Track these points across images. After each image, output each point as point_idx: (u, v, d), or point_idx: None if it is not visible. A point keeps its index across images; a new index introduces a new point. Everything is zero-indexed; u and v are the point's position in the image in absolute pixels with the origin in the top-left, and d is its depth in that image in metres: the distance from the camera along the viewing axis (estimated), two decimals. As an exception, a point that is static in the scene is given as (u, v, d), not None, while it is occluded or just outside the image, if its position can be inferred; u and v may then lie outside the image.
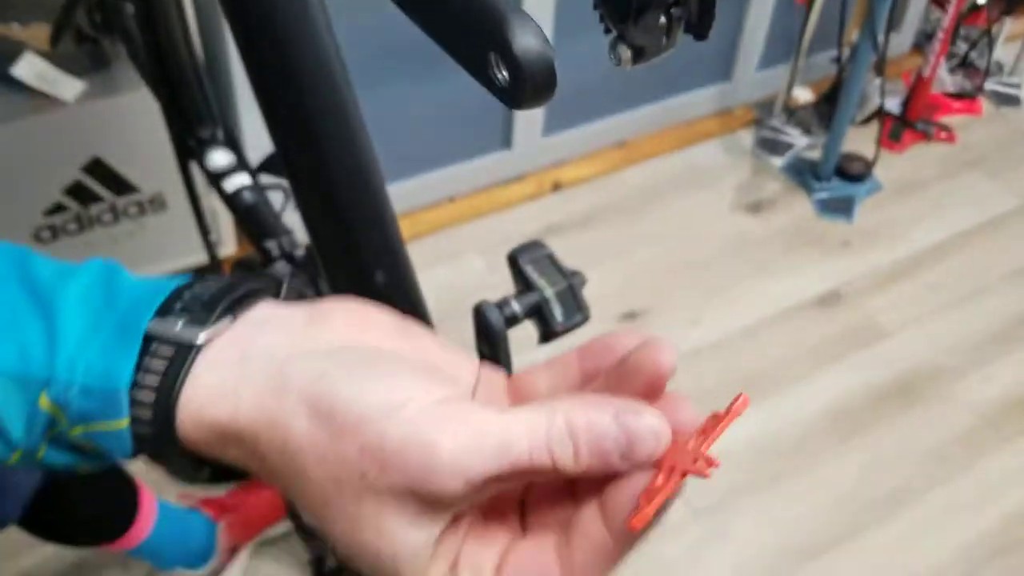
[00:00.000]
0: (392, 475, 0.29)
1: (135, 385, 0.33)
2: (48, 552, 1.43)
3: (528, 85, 0.28)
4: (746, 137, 2.28)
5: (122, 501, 1.22)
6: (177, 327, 0.33)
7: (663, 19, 0.33)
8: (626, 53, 0.34)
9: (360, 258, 0.69)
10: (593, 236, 2.03)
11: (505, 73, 0.28)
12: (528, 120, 2.03)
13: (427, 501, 0.29)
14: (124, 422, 0.33)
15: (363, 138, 0.64)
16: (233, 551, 1.41)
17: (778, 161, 2.21)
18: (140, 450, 0.34)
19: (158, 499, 1.29)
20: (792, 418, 1.69)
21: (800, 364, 1.79)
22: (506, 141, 2.06)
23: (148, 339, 0.33)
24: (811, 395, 1.73)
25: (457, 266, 1.94)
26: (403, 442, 0.29)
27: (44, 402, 0.33)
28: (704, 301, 1.89)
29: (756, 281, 1.94)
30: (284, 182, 1.06)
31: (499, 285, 0.75)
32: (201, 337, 0.33)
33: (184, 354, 0.33)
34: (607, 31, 0.34)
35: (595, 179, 2.16)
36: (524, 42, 0.27)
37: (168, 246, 1.72)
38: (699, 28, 0.33)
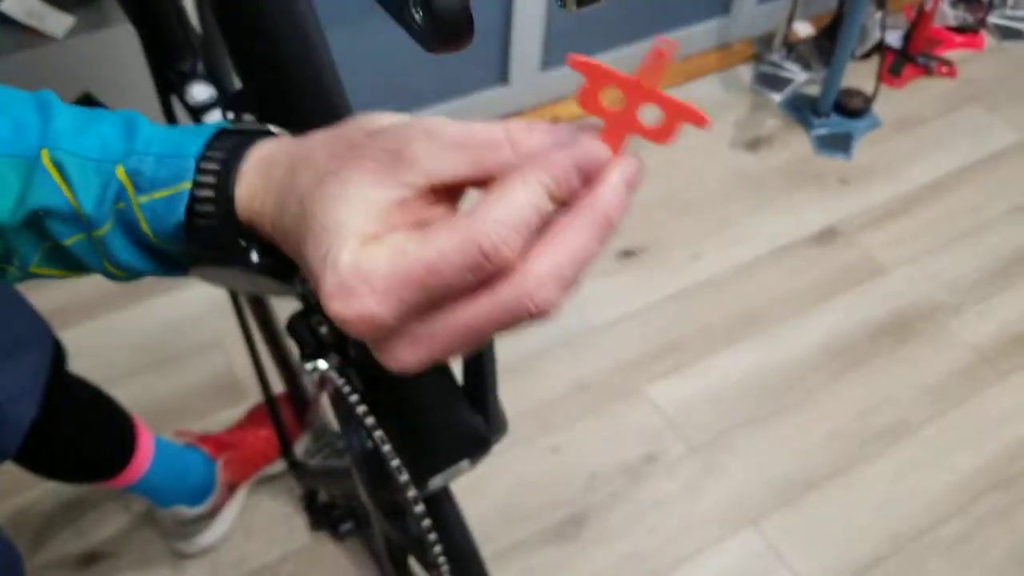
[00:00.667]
0: (380, 141, 0.35)
1: (205, 157, 0.39)
2: (46, 488, 1.45)
3: (442, 27, 0.27)
4: (745, 72, 2.25)
5: (120, 437, 1.23)
6: (245, 125, 0.41)
7: None
8: None
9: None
10: (590, 173, 2.01)
11: (419, 14, 0.27)
12: (525, 55, 2.00)
13: (394, 160, 0.34)
14: (187, 184, 0.39)
15: (331, 71, 0.63)
16: (231, 488, 1.42)
17: (777, 97, 2.18)
18: (195, 226, 0.40)
19: (156, 437, 1.29)
20: (789, 354, 1.70)
21: (797, 300, 1.78)
22: (503, 76, 2.03)
23: (216, 133, 0.40)
24: (808, 331, 1.74)
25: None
26: (404, 124, 0.35)
27: (120, 172, 0.39)
28: (702, 238, 1.89)
29: (754, 218, 1.93)
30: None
31: None
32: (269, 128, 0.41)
33: (251, 137, 0.40)
34: None
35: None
36: None
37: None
38: None
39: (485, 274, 0.32)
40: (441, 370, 0.80)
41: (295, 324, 0.94)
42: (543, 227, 0.33)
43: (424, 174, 0.34)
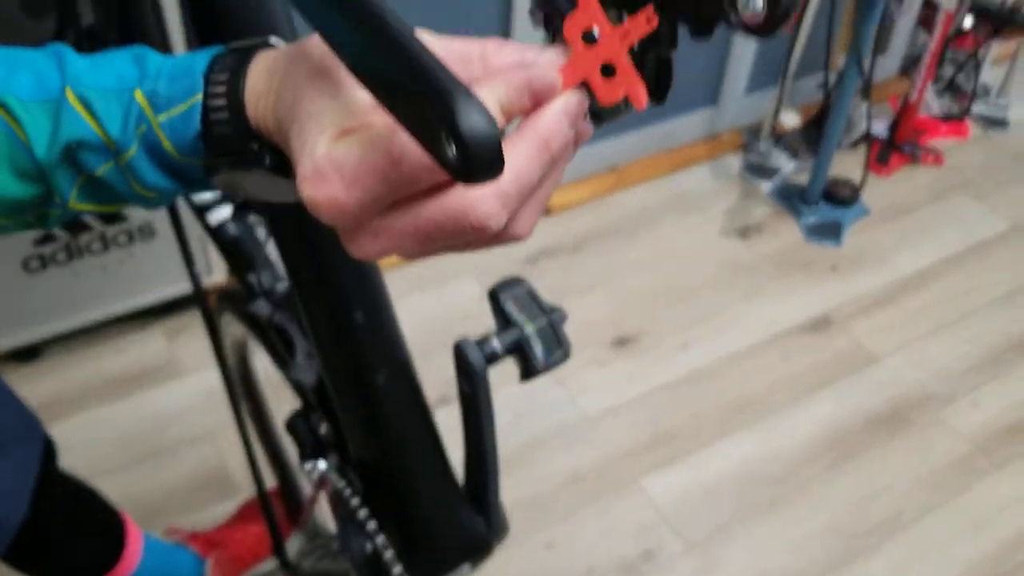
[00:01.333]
0: None
1: (213, 71, 0.42)
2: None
3: (475, 164, 0.28)
4: (734, 162, 2.29)
5: (109, 536, 1.21)
6: (248, 41, 0.43)
7: None
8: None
9: (339, 297, 0.69)
10: (584, 260, 2.03)
11: (454, 150, 0.29)
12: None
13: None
14: (199, 96, 0.42)
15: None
16: (221, 585, 1.40)
17: (766, 185, 2.22)
18: (211, 135, 0.42)
19: (145, 534, 1.28)
20: (783, 444, 1.69)
21: (790, 389, 1.79)
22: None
23: (222, 51, 0.43)
24: (802, 420, 1.73)
25: (450, 289, 1.94)
26: None
27: (138, 95, 0.43)
28: (694, 326, 1.90)
29: (746, 306, 1.95)
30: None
31: (490, 310, 0.75)
32: (271, 40, 0.44)
33: (252, 49, 0.43)
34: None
35: (586, 203, 2.17)
36: (470, 122, 0.28)
37: (158, 275, 1.72)
38: (657, 94, 0.34)
39: (439, 175, 0.34)
40: (442, 471, 0.80)
41: (295, 422, 0.94)
42: None
43: None
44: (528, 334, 0.74)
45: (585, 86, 0.35)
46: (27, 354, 1.74)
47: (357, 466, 0.84)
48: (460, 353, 0.71)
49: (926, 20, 2.37)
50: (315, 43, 0.39)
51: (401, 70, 0.30)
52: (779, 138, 2.29)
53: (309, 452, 0.90)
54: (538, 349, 0.74)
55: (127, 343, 1.80)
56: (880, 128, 2.34)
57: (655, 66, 0.34)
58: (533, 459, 1.65)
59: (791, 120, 2.30)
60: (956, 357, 1.86)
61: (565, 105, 0.36)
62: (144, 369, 1.76)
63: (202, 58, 0.43)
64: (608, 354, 1.83)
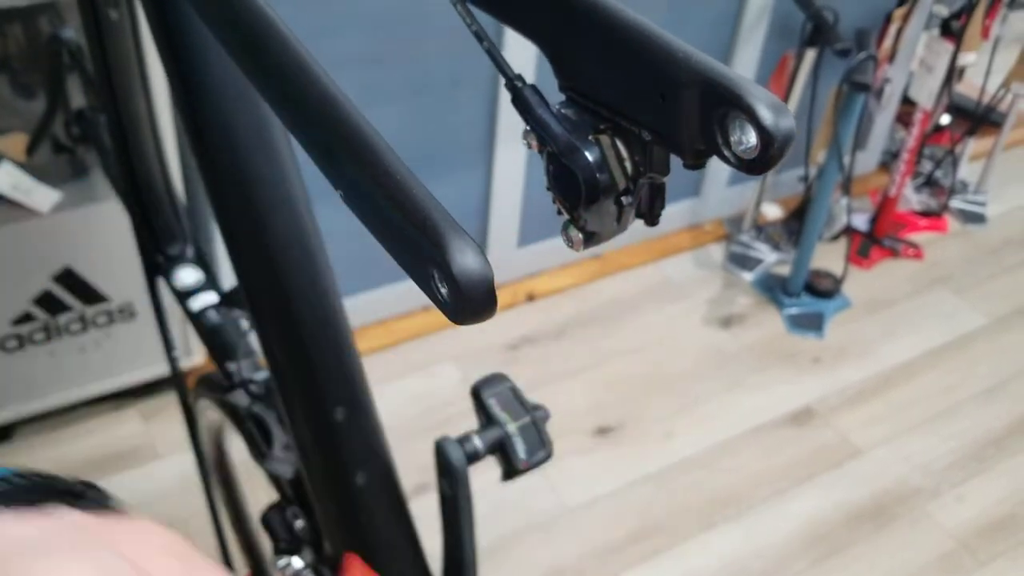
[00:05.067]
0: None
1: None
2: None
3: (466, 305, 0.28)
4: (717, 251, 2.31)
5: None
6: None
7: (614, 206, 0.33)
8: (578, 236, 0.34)
9: (319, 394, 0.68)
10: (567, 347, 2.02)
11: (445, 289, 0.28)
12: (503, 231, 2.05)
13: None
14: None
15: (327, 275, 0.64)
16: None
17: (748, 276, 2.23)
18: None
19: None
20: (767, 539, 1.67)
21: (774, 482, 1.77)
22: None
23: None
24: (786, 515, 1.71)
25: (431, 376, 1.93)
26: None
27: None
28: (678, 415, 1.88)
29: (729, 396, 1.94)
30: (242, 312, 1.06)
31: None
32: None
33: None
34: (559, 213, 0.35)
35: (569, 290, 2.17)
36: (462, 262, 0.27)
37: (136, 356, 1.70)
38: (649, 215, 0.34)
39: None
40: (421, 572, 0.78)
41: (270, 516, 0.91)
42: None
43: None
44: (510, 433, 0.73)
45: None
46: (0, 434, 1.71)
47: (332, 563, 0.82)
48: (441, 452, 0.69)
49: (904, 117, 2.42)
50: None
51: (394, 205, 0.29)
52: (761, 229, 2.31)
53: (283, 547, 0.88)
54: (520, 448, 0.72)
55: (102, 424, 1.77)
56: (860, 222, 2.37)
57: (649, 192, 0.33)
58: (511, 552, 1.61)
59: (773, 212, 2.33)
60: (940, 451, 1.86)
61: None
62: (118, 451, 1.72)
63: None
64: (590, 443, 1.81)
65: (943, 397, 1.97)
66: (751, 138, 0.27)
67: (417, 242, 0.28)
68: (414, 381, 1.91)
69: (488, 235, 2.03)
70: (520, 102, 0.34)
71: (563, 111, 0.34)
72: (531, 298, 2.12)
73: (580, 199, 0.33)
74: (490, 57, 0.35)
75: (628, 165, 0.33)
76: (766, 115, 0.26)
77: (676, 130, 0.30)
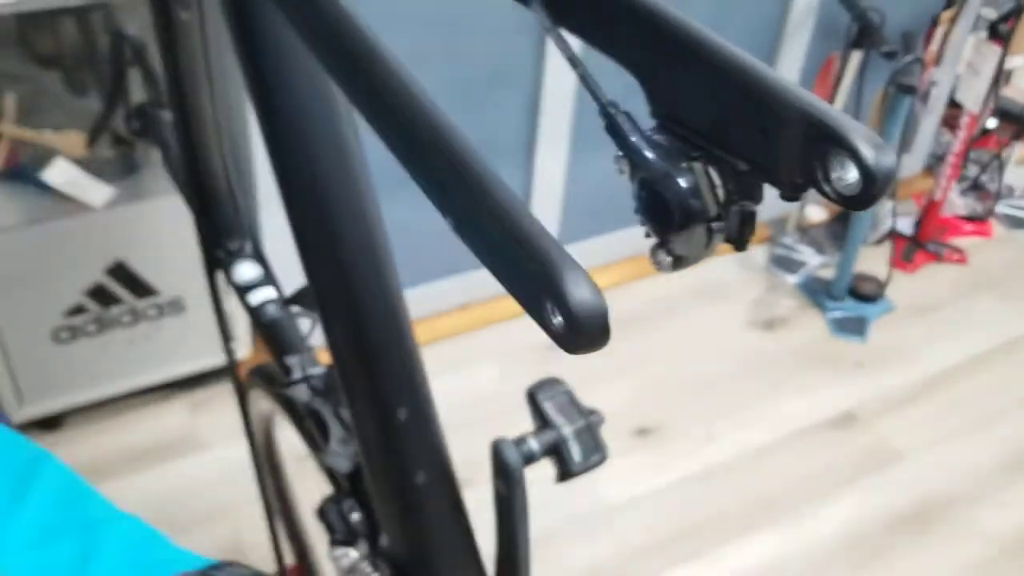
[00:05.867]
0: None
1: None
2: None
3: (583, 335, 0.29)
4: (760, 254, 2.30)
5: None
6: None
7: (704, 231, 0.34)
8: (667, 259, 0.35)
9: (383, 394, 0.69)
10: (607, 348, 2.01)
11: (560, 319, 0.29)
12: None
13: None
14: None
15: (393, 279, 0.65)
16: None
17: (792, 279, 2.22)
18: None
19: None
20: (807, 543, 1.67)
21: (814, 486, 1.77)
22: (522, 252, 2.08)
23: None
24: (825, 519, 1.71)
25: (470, 374, 1.94)
26: None
27: None
28: (718, 418, 1.88)
29: (770, 400, 1.93)
30: (310, 312, 1.07)
31: (511, 394, 0.75)
32: None
33: None
34: (647, 236, 0.35)
35: (609, 291, 2.17)
36: (578, 295, 0.28)
37: (184, 348, 1.73)
38: (739, 241, 0.34)
39: None
40: (476, 571, 0.79)
41: (326, 508, 0.93)
42: None
43: None
44: (566, 436, 0.74)
45: None
46: (50, 423, 1.74)
47: (388, 558, 0.83)
48: (497, 453, 0.70)
49: (950, 120, 2.40)
50: None
51: (507, 236, 0.30)
52: (805, 232, 2.31)
53: (339, 539, 0.89)
54: (575, 451, 0.73)
55: (149, 415, 1.80)
56: (905, 225, 2.35)
57: (740, 217, 0.34)
58: (550, 551, 1.62)
59: (817, 215, 2.32)
60: (983, 457, 1.84)
61: None
62: (165, 441, 1.76)
63: None
64: (630, 444, 1.82)
65: (986, 403, 1.96)
66: (852, 175, 0.28)
67: (531, 273, 0.29)
68: (452, 379, 1.92)
69: (530, 234, 2.04)
70: (613, 128, 0.35)
71: (655, 137, 0.35)
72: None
73: (671, 225, 0.34)
74: (583, 83, 0.36)
75: (720, 192, 0.34)
76: (869, 154, 0.27)
77: (775, 163, 0.31)
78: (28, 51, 1.55)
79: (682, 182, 0.34)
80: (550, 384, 0.77)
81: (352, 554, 0.89)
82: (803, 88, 0.30)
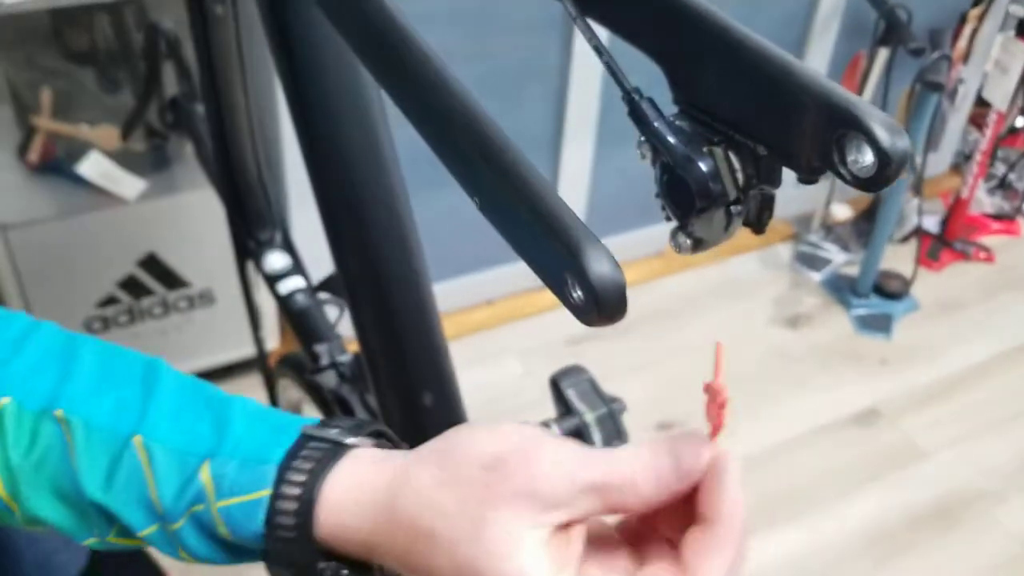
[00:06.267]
0: (512, 479, 0.36)
1: (288, 468, 0.39)
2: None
3: (602, 309, 0.30)
4: (784, 251, 2.30)
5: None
6: (330, 433, 0.41)
7: (723, 215, 0.35)
8: (686, 242, 0.36)
9: (410, 380, 0.71)
10: (630, 343, 2.04)
11: (580, 294, 0.30)
12: (569, 228, 2.06)
13: (540, 502, 0.35)
14: (267, 492, 0.39)
15: (423, 270, 0.66)
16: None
17: (816, 276, 2.22)
18: (273, 536, 0.39)
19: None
20: (829, 539, 1.67)
21: (836, 483, 1.77)
22: (547, 247, 2.09)
23: (301, 439, 0.41)
24: (848, 515, 1.71)
25: (494, 368, 1.96)
26: (520, 453, 0.37)
27: (204, 473, 0.40)
28: (740, 414, 1.88)
29: (793, 396, 1.94)
30: (338, 299, 1.09)
31: (534, 388, 0.76)
32: (351, 440, 0.41)
33: (335, 452, 0.40)
34: (667, 219, 0.37)
35: (633, 287, 2.18)
36: (599, 269, 0.29)
37: (213, 340, 1.76)
38: (757, 224, 0.36)
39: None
40: None
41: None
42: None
43: (566, 514, 0.36)
44: (588, 422, 0.75)
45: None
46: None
47: None
48: None
49: (978, 119, 2.39)
50: (426, 476, 0.37)
51: (531, 213, 0.31)
52: (830, 230, 2.30)
53: None
54: (597, 438, 0.75)
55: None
56: (931, 223, 2.34)
57: (759, 201, 0.35)
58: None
59: (842, 212, 2.31)
60: (1008, 455, 1.84)
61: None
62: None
63: (280, 440, 0.40)
64: (652, 438, 1.83)
65: (1012, 401, 1.95)
66: (868, 158, 0.29)
67: (553, 249, 0.31)
68: (478, 372, 1.94)
69: (555, 229, 2.05)
70: (637, 114, 0.36)
71: (677, 123, 0.36)
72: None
73: (692, 208, 0.35)
74: (608, 70, 0.37)
75: (740, 177, 0.35)
76: (884, 136, 0.28)
77: (793, 147, 0.32)
78: (63, 47, 1.58)
79: (702, 166, 0.35)
80: (574, 372, 0.79)
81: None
82: (821, 74, 0.31)
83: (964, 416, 1.92)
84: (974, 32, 2.10)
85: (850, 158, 0.30)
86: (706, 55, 0.34)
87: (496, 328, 2.04)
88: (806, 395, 1.94)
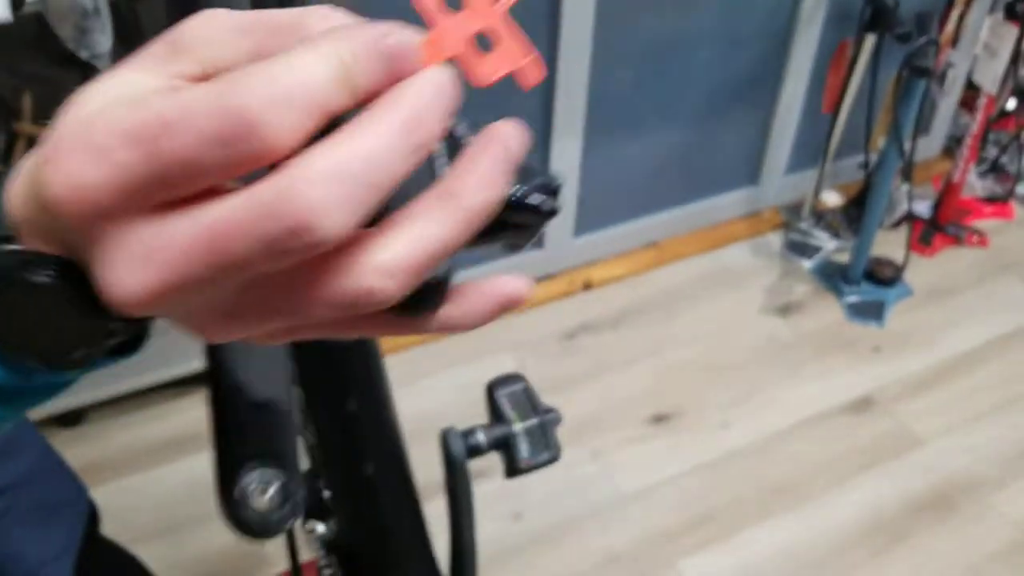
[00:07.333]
0: (165, 35, 0.27)
1: None
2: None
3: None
4: (775, 240, 2.29)
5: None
6: None
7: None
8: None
9: (333, 383, 0.70)
10: (624, 335, 2.03)
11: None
12: (559, 221, 2.05)
13: (171, 52, 0.27)
14: None
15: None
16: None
17: (807, 264, 2.21)
18: None
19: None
20: (825, 528, 1.66)
21: (832, 471, 1.76)
22: (537, 241, 2.08)
23: None
24: (844, 504, 1.70)
25: (488, 363, 1.94)
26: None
27: None
28: (734, 404, 1.88)
29: (787, 385, 1.93)
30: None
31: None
32: None
33: None
34: None
35: (626, 279, 2.17)
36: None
37: (200, 345, 1.74)
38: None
39: (240, 154, 0.24)
40: (427, 564, 0.79)
41: (304, 478, 0.93)
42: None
43: (197, 60, 0.27)
44: (516, 432, 0.73)
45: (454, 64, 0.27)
46: (70, 419, 1.76)
47: (342, 549, 0.83)
48: (444, 442, 0.71)
49: (968, 102, 2.37)
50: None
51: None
52: (820, 217, 2.29)
53: (311, 513, 0.89)
54: (524, 447, 0.73)
55: (169, 410, 1.82)
56: (922, 208, 2.33)
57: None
58: (567, 538, 1.63)
59: (832, 199, 2.30)
60: (1005, 442, 1.82)
61: (438, 78, 0.26)
62: (184, 435, 1.77)
63: None
64: (646, 431, 1.82)
65: (1007, 387, 1.94)
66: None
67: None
68: (468, 370, 1.93)
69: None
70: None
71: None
72: (588, 287, 2.13)
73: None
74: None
75: None
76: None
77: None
78: (46, 50, 1.57)
79: None
80: (510, 379, 0.77)
81: (320, 528, 0.88)
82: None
83: (959, 402, 1.91)
84: (962, 15, 2.09)
85: None
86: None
87: (489, 323, 2.03)
88: (799, 384, 1.93)
